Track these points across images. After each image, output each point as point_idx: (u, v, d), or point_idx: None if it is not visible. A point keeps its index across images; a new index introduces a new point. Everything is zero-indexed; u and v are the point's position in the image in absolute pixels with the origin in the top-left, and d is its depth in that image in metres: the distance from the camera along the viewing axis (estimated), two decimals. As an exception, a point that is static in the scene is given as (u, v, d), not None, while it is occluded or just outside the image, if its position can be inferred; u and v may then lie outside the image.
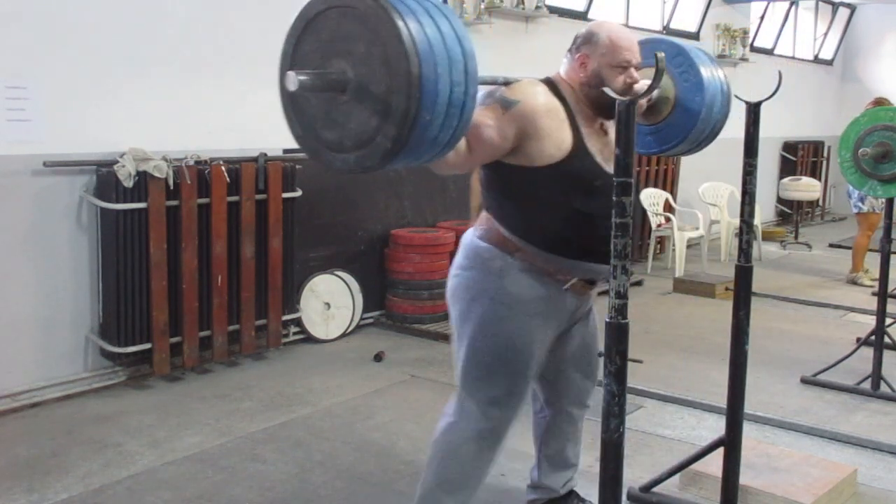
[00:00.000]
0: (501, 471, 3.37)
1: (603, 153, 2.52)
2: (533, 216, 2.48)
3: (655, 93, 2.73)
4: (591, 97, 2.50)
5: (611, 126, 2.59)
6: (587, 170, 2.46)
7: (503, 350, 2.53)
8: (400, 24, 1.83)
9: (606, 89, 2.65)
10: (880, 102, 6.80)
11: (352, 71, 1.93)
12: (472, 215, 3.52)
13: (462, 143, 2.25)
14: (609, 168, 2.47)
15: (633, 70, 2.49)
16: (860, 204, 7.21)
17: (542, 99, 2.44)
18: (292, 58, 2.04)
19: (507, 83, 2.42)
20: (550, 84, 2.53)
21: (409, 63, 1.82)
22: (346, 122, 1.97)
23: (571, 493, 3.01)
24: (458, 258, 2.63)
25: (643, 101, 2.75)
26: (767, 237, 9.35)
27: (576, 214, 2.45)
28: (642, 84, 2.58)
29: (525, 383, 2.61)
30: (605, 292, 2.09)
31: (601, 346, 2.36)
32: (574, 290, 2.57)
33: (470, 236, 2.62)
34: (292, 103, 2.06)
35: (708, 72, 2.80)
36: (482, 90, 2.39)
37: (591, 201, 2.45)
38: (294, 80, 1.89)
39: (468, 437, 2.59)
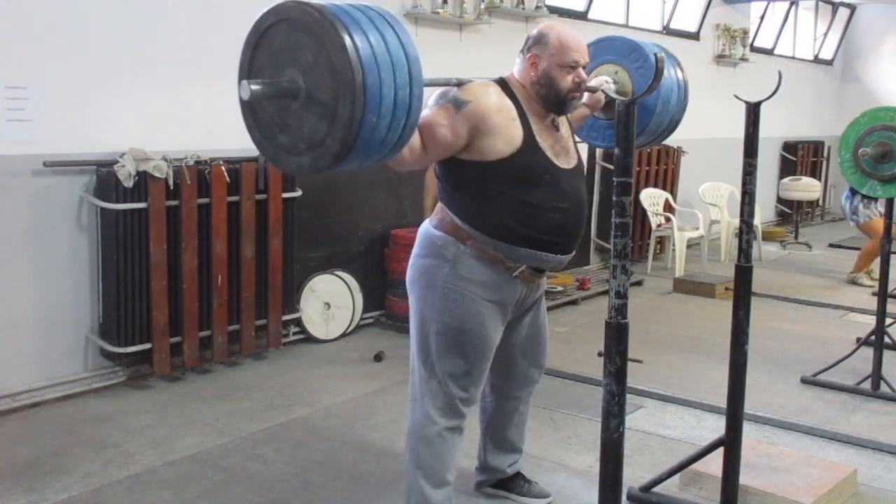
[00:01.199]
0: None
1: (554, 148, 2.66)
2: (483, 207, 2.61)
3: (613, 88, 2.91)
4: (542, 95, 2.64)
5: (562, 122, 2.75)
6: (537, 163, 2.59)
7: (459, 331, 2.65)
8: (344, 35, 1.97)
9: (607, 91, 2.81)
10: None
11: (302, 79, 2.07)
12: (425, 213, 3.60)
13: (417, 141, 2.42)
14: (559, 162, 2.67)
15: (580, 70, 2.63)
16: (856, 217, 7.14)
17: (493, 99, 2.56)
18: (249, 67, 2.19)
19: (460, 84, 2.55)
20: (503, 84, 2.66)
21: (353, 72, 1.96)
22: (299, 126, 2.10)
23: (518, 475, 3.16)
24: (415, 247, 2.77)
25: (601, 96, 2.93)
26: (767, 237, 9.35)
27: (523, 205, 2.58)
28: (599, 80, 2.87)
29: (483, 362, 2.73)
30: (605, 292, 2.10)
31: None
32: (522, 277, 2.69)
33: (426, 226, 2.76)
34: (251, 110, 2.20)
35: None
36: (436, 91, 2.55)
37: (537, 193, 2.59)
38: (247, 89, 2.04)
39: (434, 418, 2.71)
